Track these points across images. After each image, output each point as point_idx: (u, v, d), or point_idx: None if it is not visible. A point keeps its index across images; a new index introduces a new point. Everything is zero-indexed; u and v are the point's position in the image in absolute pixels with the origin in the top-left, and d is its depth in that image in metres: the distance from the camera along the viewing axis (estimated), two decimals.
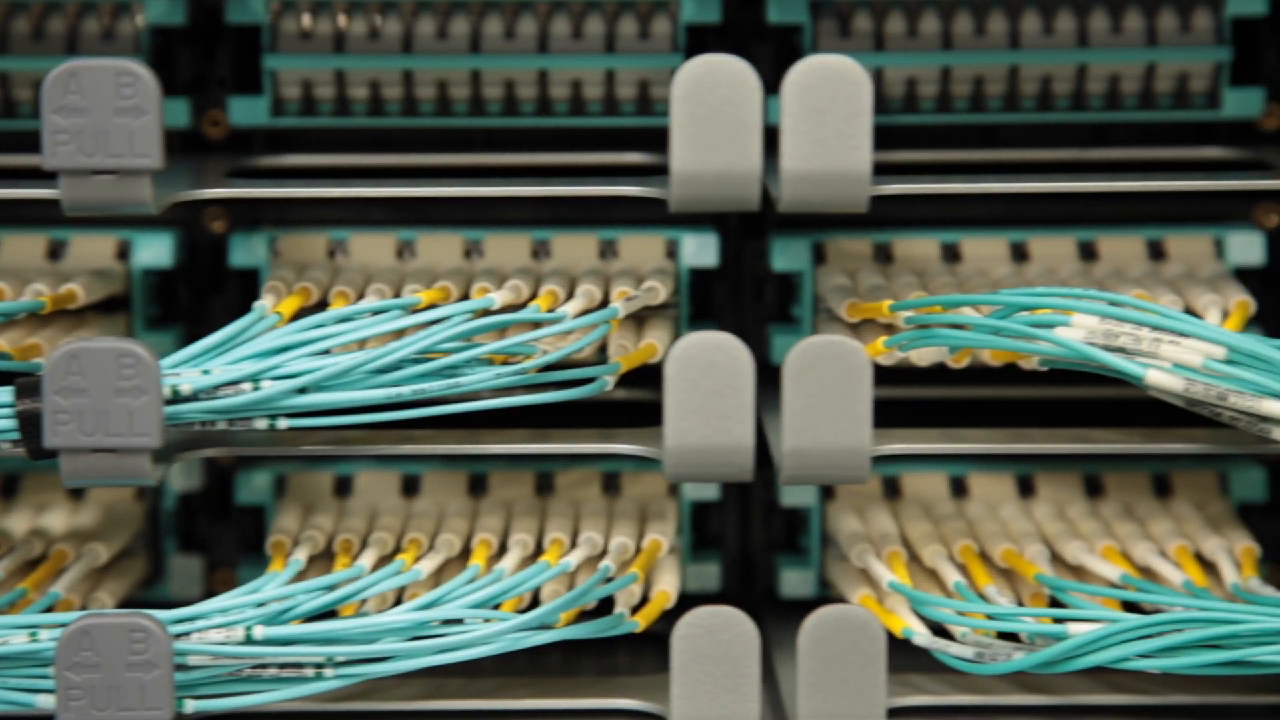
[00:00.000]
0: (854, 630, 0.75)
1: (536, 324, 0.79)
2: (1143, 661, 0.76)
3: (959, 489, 0.91)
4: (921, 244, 0.90)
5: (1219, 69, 0.88)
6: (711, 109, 0.73)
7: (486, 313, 0.79)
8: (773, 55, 0.89)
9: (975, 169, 0.89)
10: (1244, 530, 0.86)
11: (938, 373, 0.85)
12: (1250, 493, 0.90)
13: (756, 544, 0.93)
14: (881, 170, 0.89)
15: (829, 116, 0.73)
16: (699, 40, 0.89)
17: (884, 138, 0.91)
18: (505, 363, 0.78)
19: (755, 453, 0.76)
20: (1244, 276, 0.89)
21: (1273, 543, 0.92)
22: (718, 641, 0.74)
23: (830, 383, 0.74)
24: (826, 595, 0.90)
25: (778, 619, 0.88)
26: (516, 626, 0.77)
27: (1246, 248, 0.89)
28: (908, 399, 0.91)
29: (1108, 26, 0.88)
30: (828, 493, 0.91)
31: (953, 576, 0.83)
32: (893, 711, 0.79)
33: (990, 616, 0.79)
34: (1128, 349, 0.77)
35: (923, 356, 0.83)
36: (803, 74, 0.73)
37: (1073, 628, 0.77)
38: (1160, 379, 0.76)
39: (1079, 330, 0.77)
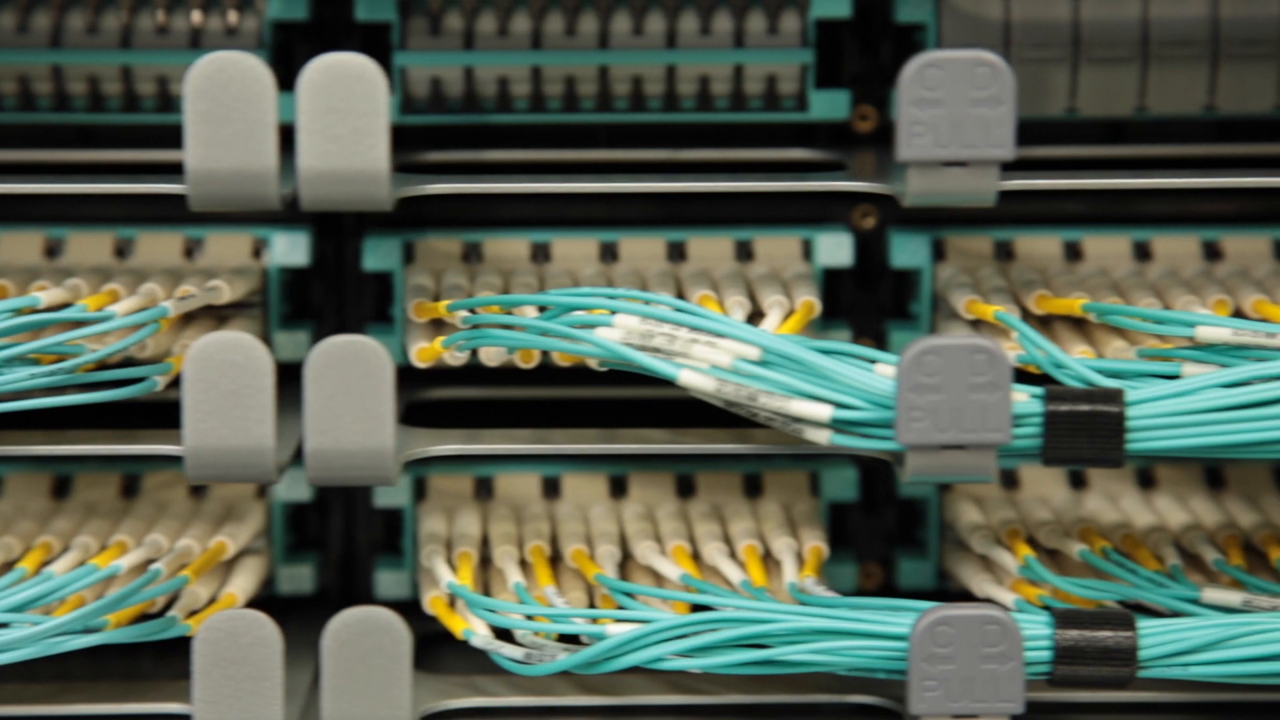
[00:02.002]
0: (378, 633, 0.74)
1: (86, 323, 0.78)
2: (679, 661, 0.76)
3: (552, 489, 0.90)
4: (513, 244, 0.89)
5: (805, 71, 0.89)
6: (225, 106, 0.72)
7: (33, 311, 0.78)
8: (361, 52, 0.88)
9: (569, 169, 0.89)
10: (818, 530, 0.87)
11: (558, 372, 0.85)
12: (842, 493, 0.91)
13: (361, 545, 0.92)
14: (475, 169, 0.89)
15: (345, 115, 0.73)
16: (287, 37, 0.89)
17: (477, 137, 0.91)
18: (57, 362, 0.77)
19: None
20: (836, 277, 0.90)
21: (867, 541, 0.92)
22: (239, 645, 0.74)
23: (351, 383, 0.74)
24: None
25: None
26: (54, 630, 0.76)
27: (835, 249, 0.89)
28: (518, 399, 0.91)
29: (697, 28, 0.89)
30: (421, 493, 0.90)
31: (514, 577, 0.83)
32: (430, 715, 0.79)
33: (545, 618, 0.79)
34: (663, 349, 0.77)
35: (490, 356, 0.83)
36: (317, 72, 0.73)
37: (610, 628, 0.77)
38: (693, 379, 0.76)
39: (618, 331, 0.77)
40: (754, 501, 0.90)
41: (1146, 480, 0.90)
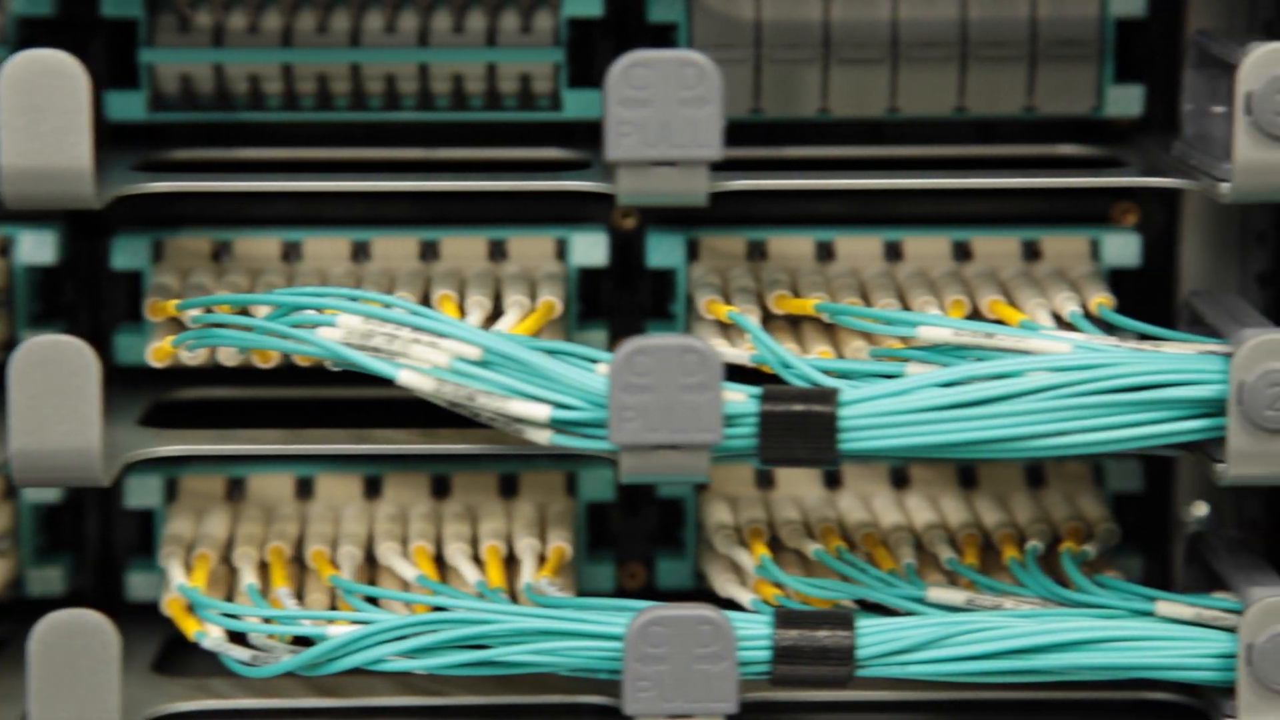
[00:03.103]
0: (85, 636, 0.73)
1: None
2: (401, 662, 0.76)
3: (305, 490, 0.90)
4: (264, 243, 0.89)
5: (558, 70, 0.88)
6: None
7: None
8: (106, 49, 0.88)
9: (324, 167, 0.89)
10: (566, 530, 0.86)
11: (329, 374, 0.84)
12: (600, 493, 0.90)
13: (117, 547, 0.92)
14: (228, 168, 0.89)
15: (47, 113, 0.72)
16: (32, 34, 0.88)
17: (230, 135, 0.90)
18: None
19: None
20: (595, 277, 0.90)
21: (629, 542, 0.92)
22: None
23: (56, 383, 0.73)
24: None
25: (131, 623, 0.87)
26: None
27: (590, 249, 0.89)
28: (295, 400, 0.91)
29: (450, 26, 0.88)
30: (171, 494, 0.89)
31: (249, 579, 0.82)
32: (157, 718, 0.78)
33: (276, 620, 0.79)
34: (384, 349, 0.77)
35: (227, 356, 0.82)
36: (18, 68, 0.72)
37: (331, 629, 0.76)
38: (413, 379, 0.76)
39: (340, 331, 0.77)
40: (509, 502, 0.89)
41: (900, 480, 0.90)
